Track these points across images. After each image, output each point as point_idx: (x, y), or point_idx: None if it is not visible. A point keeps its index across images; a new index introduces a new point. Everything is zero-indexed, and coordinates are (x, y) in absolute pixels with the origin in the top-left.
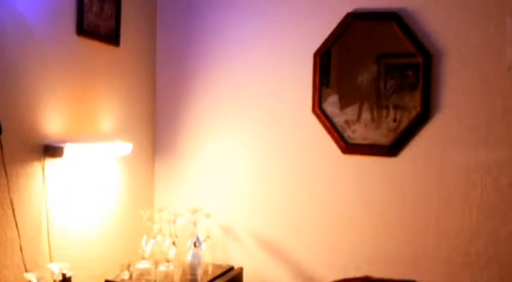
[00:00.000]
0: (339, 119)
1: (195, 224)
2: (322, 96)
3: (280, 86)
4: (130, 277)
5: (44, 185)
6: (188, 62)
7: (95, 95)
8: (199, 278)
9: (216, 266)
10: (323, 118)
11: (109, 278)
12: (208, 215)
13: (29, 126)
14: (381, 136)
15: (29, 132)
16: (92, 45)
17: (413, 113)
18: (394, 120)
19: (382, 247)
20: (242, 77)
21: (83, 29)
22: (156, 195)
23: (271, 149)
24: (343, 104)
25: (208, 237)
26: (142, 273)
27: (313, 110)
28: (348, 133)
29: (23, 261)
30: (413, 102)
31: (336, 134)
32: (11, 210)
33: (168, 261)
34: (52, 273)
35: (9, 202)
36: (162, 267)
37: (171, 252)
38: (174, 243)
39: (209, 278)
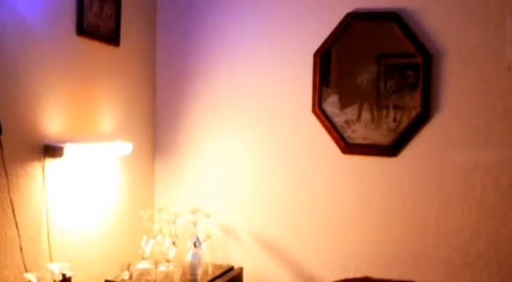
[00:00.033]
0: (339, 119)
1: (195, 224)
2: (322, 96)
3: (280, 86)
4: (130, 277)
5: (44, 185)
6: (188, 62)
7: (95, 95)
8: (199, 278)
9: (216, 266)
10: (323, 118)
11: (109, 278)
12: (208, 215)
13: (29, 126)
14: (380, 136)
15: (29, 132)
16: (92, 45)
17: (413, 113)
18: (394, 120)
19: (382, 247)
20: (242, 77)
21: (83, 29)
22: (156, 195)
23: (271, 149)
24: (343, 104)
25: (208, 237)
26: (142, 273)
27: (313, 110)
28: (348, 133)
29: (23, 261)
30: (413, 102)
31: (336, 134)
32: (11, 210)
33: (168, 261)
34: (52, 273)
35: (9, 202)
36: (162, 267)
37: (171, 252)
38: (174, 243)
39: (209, 278)
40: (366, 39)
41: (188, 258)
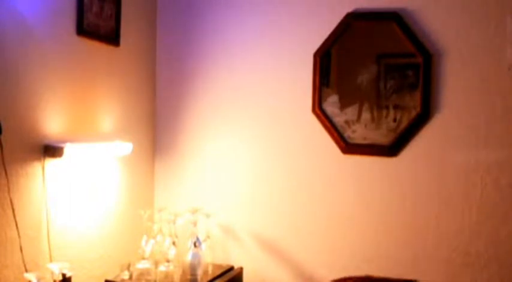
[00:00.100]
0: (339, 119)
1: (195, 224)
2: (322, 96)
3: (280, 86)
4: (130, 277)
5: (44, 185)
6: (188, 62)
7: (95, 95)
8: (199, 278)
9: (216, 266)
10: (323, 118)
11: (109, 278)
12: (208, 215)
13: (29, 126)
14: (380, 136)
15: (29, 132)
16: (92, 45)
17: (413, 113)
18: (394, 120)
19: (382, 247)
20: (242, 77)
21: (83, 29)
22: (156, 195)
23: (271, 149)
24: (343, 104)
25: (208, 237)
26: (142, 273)
27: (313, 110)
28: (348, 133)
29: (23, 261)
30: (413, 102)
31: (336, 134)
32: (11, 210)
33: (168, 261)
34: (52, 273)
35: (9, 202)
36: (162, 267)
37: (171, 252)
38: (174, 243)
39: (209, 278)
40: (366, 39)
41: (188, 258)
